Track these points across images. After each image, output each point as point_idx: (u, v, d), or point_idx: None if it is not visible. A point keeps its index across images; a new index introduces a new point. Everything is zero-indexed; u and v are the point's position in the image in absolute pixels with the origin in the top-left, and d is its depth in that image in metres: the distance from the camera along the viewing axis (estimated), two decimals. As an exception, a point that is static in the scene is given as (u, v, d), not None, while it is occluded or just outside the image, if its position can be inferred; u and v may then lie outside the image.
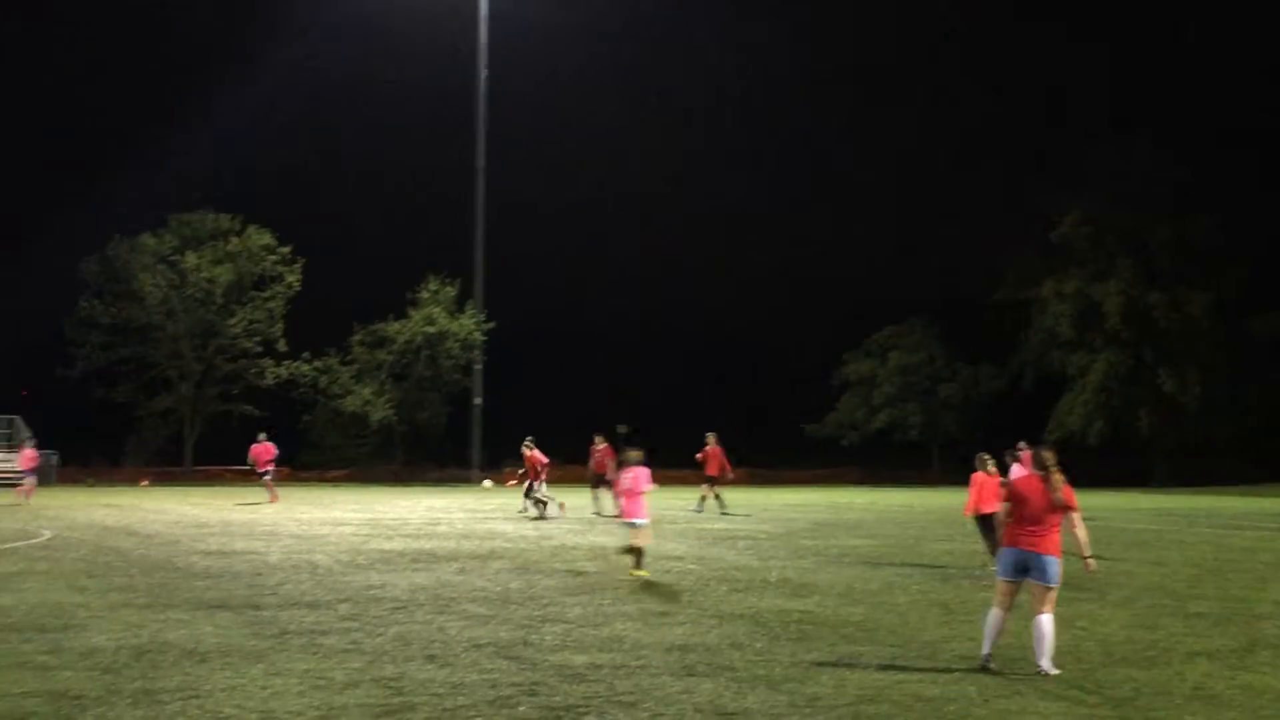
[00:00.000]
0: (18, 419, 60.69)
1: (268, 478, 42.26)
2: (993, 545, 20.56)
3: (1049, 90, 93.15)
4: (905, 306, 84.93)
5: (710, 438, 36.89)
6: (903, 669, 11.69)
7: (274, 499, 40.66)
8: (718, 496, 36.82)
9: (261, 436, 42.89)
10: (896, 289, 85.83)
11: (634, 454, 19.97)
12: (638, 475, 19.53)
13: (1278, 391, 74.26)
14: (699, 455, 36.71)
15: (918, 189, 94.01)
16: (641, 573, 18.73)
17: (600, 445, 35.79)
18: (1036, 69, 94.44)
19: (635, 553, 19.10)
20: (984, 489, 20.53)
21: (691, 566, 20.73)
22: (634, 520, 19.20)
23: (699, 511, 35.42)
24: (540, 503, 33.10)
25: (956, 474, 37.38)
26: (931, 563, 21.74)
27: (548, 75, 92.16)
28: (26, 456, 42.63)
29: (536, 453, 33.23)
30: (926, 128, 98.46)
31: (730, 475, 37.66)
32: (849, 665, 11.82)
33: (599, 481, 34.93)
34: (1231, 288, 74.80)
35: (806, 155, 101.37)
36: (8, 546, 24.03)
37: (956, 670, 11.62)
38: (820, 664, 11.88)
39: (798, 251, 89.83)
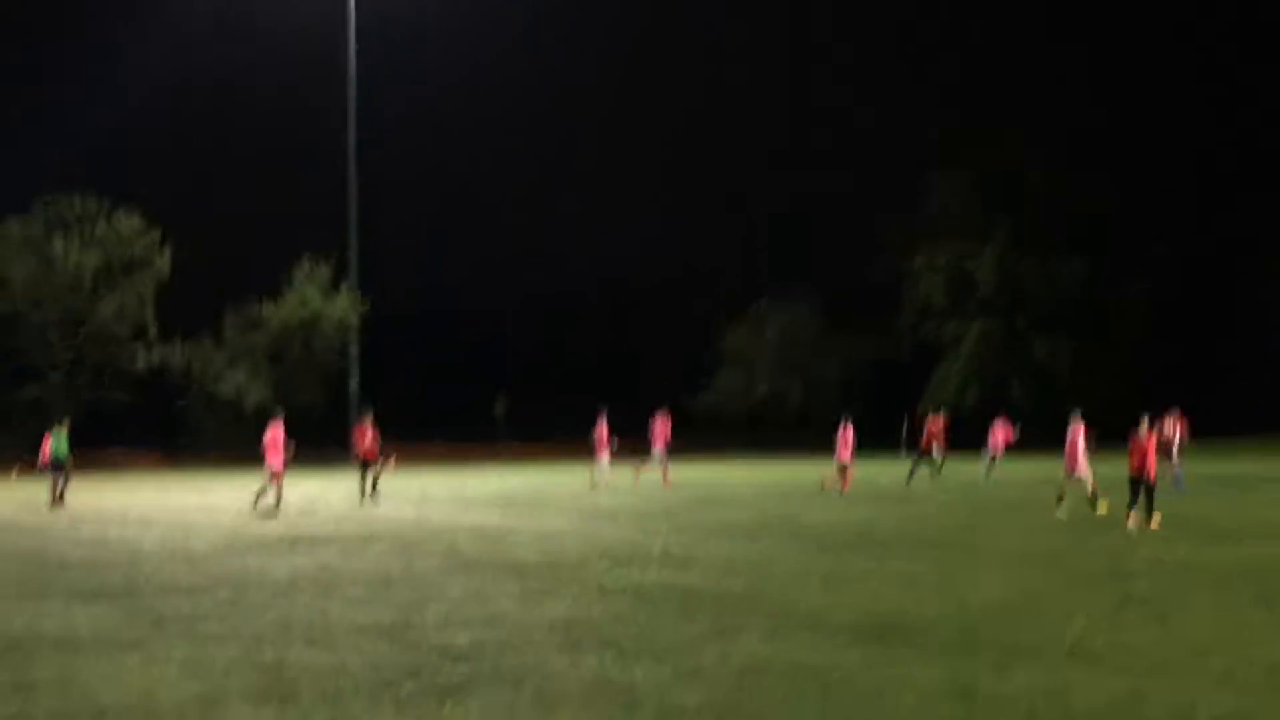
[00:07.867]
0: None
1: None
2: None
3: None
4: (784, 275, 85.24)
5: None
6: (785, 638, 11.76)
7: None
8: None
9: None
10: (774, 258, 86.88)
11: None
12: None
13: (1146, 357, 75.12)
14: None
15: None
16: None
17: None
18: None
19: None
20: None
21: (572, 542, 20.72)
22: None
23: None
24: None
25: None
26: (811, 534, 21.90)
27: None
28: None
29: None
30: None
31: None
32: (732, 636, 11.87)
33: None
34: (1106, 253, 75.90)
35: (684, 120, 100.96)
36: None
37: (840, 638, 11.73)
38: (704, 636, 11.92)
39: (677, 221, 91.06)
